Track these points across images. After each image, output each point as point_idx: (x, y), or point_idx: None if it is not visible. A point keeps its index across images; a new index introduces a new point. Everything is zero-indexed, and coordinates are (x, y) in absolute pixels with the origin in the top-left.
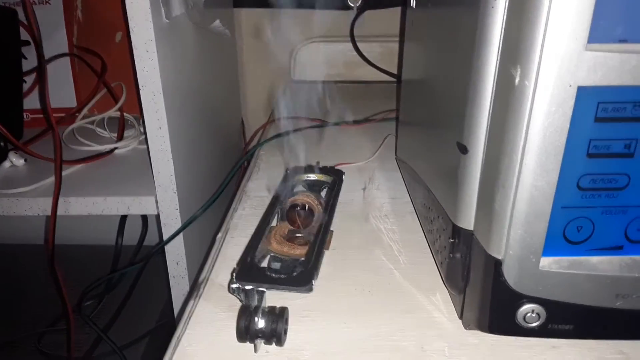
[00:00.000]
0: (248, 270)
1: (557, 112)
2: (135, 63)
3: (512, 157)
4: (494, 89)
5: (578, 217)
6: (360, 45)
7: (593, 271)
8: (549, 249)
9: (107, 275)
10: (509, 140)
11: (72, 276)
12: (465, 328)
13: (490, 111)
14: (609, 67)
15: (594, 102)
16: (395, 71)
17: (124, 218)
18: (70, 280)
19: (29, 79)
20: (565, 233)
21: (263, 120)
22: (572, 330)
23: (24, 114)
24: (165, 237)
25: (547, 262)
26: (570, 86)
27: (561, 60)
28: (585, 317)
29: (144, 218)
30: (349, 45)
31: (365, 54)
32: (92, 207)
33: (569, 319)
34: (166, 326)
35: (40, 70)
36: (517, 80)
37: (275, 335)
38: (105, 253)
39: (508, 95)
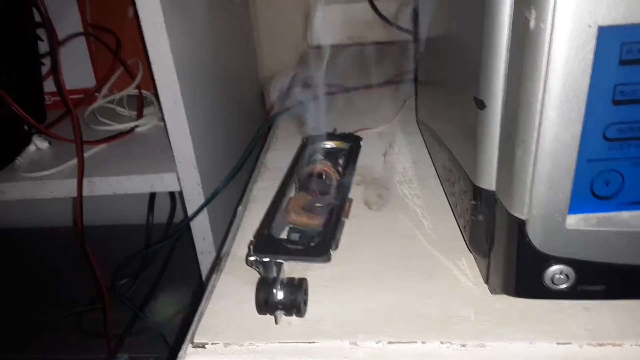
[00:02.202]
0: (265, 243)
1: (578, 56)
2: (144, 37)
3: (531, 109)
4: (509, 36)
5: (606, 170)
6: (378, 4)
7: (624, 227)
8: (576, 206)
9: (137, 252)
10: (527, 90)
11: (106, 256)
12: (492, 293)
13: (507, 61)
14: (632, 3)
15: (617, 43)
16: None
17: (153, 196)
18: (104, 260)
19: (48, 61)
20: (593, 188)
21: None
22: (603, 290)
23: (46, 97)
24: (189, 213)
25: (574, 220)
26: (590, 26)
27: None
28: (617, 276)
29: (172, 195)
30: (366, 4)
31: (383, 13)
32: (116, 187)
33: (600, 279)
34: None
35: (52, 52)
36: (532, 24)
37: (295, 306)
38: (137, 232)
39: (524, 41)
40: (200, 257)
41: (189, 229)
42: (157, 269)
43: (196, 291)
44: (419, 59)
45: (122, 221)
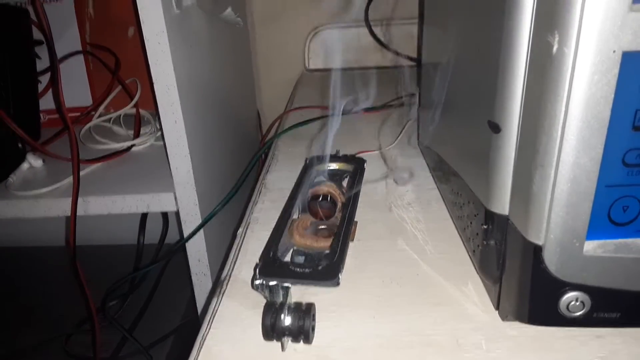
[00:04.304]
0: (271, 265)
1: (601, 81)
2: (148, 56)
3: (552, 133)
4: (528, 59)
5: (624, 196)
6: (375, 29)
7: None
8: (594, 231)
9: (128, 274)
10: (548, 114)
11: (95, 277)
12: (503, 319)
13: (525, 84)
14: None
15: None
16: (412, 54)
17: (144, 216)
18: (94, 280)
19: (44, 79)
20: (610, 214)
21: (279, 112)
22: (619, 318)
23: (41, 115)
24: (185, 234)
25: (591, 246)
26: (614, 52)
27: (604, 24)
28: (633, 304)
29: (165, 216)
30: (364, 30)
31: (381, 38)
32: (112, 206)
33: (616, 307)
34: (191, 324)
35: (53, 69)
36: (555, 48)
37: (303, 332)
38: (128, 253)
39: (545, 65)
40: (194, 279)
41: (183, 250)
42: (147, 290)
43: (186, 314)
44: (422, 83)
45: (113, 241)
